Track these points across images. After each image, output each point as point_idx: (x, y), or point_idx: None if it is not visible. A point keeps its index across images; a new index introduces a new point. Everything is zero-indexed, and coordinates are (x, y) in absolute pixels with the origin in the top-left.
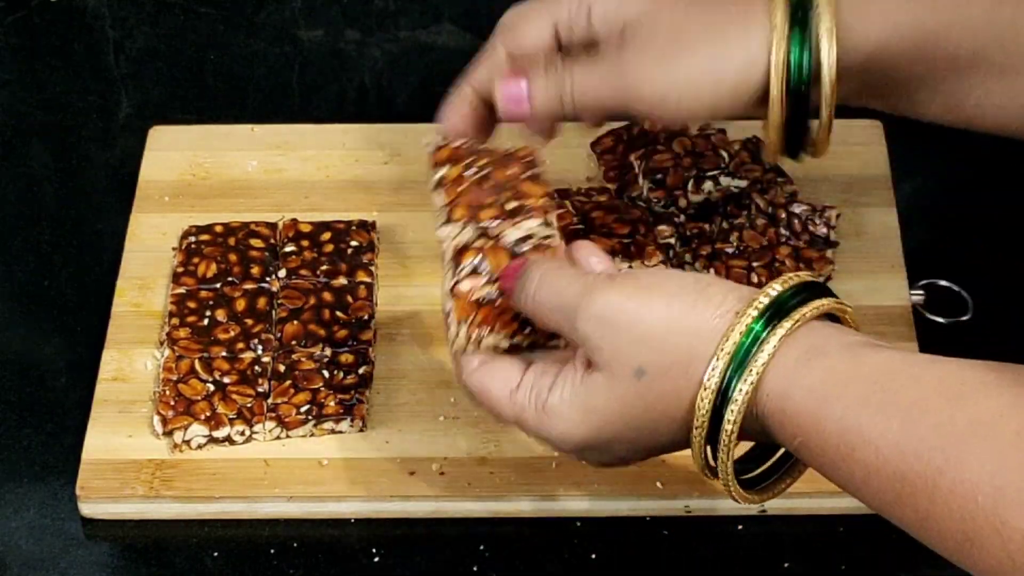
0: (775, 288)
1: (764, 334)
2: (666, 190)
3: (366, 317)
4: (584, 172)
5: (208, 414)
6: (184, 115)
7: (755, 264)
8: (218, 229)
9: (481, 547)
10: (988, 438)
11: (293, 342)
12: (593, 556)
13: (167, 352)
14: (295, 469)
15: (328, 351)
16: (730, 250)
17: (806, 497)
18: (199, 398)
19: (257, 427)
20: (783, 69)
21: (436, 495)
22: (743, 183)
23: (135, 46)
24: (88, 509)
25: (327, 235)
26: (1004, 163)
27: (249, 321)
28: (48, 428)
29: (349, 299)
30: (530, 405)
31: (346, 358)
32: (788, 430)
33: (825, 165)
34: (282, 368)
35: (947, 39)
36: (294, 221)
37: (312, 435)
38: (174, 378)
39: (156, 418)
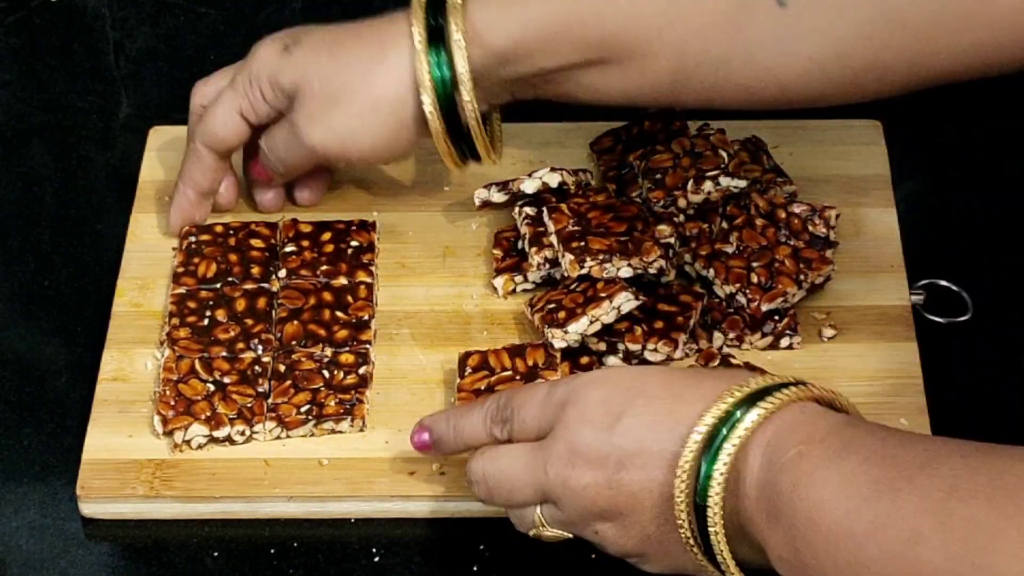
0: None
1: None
2: (666, 190)
3: (366, 317)
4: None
5: (208, 414)
6: (184, 115)
7: (755, 264)
8: (218, 229)
9: (481, 547)
10: None
11: (293, 342)
12: (593, 556)
13: (167, 352)
14: (295, 469)
15: (328, 351)
16: (730, 250)
17: None
18: (199, 398)
19: (257, 427)
20: (430, 86)
21: (436, 495)
22: (743, 183)
23: (135, 46)
24: (88, 509)
25: (327, 235)
26: (1004, 163)
27: (249, 321)
28: (48, 428)
29: (349, 299)
30: (541, 463)
31: (346, 358)
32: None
33: (825, 165)
34: (282, 368)
35: (571, 32)
36: (294, 221)
37: (312, 435)
38: (174, 378)
39: (156, 418)
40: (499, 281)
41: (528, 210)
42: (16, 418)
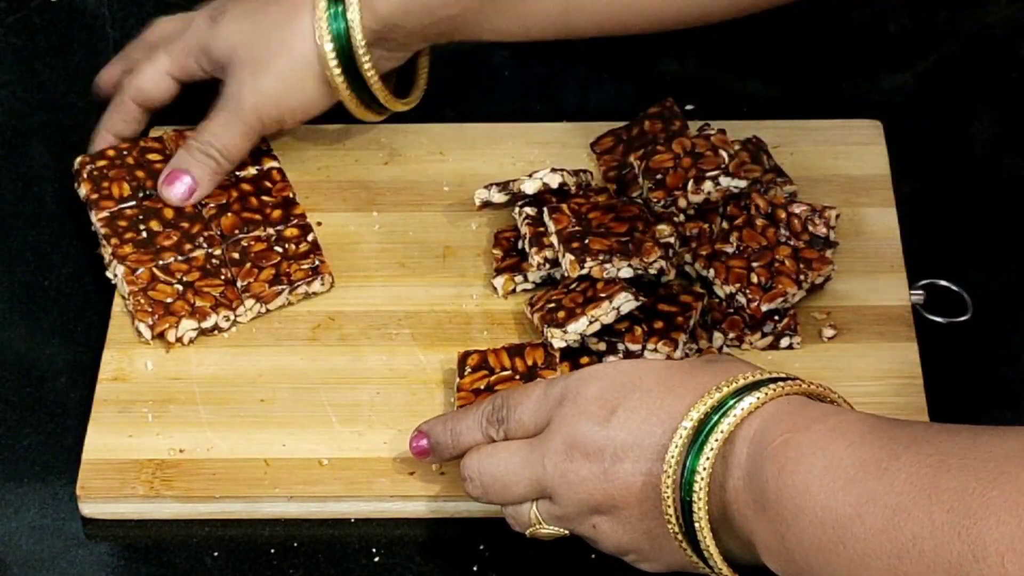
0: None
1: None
2: (666, 190)
3: (291, 195)
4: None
5: (189, 309)
6: (184, 116)
7: (755, 264)
8: (111, 153)
9: (481, 547)
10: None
11: (236, 231)
12: (593, 556)
13: (121, 269)
14: (295, 469)
15: (271, 230)
16: (730, 250)
17: None
18: (173, 299)
19: (239, 309)
20: (330, 41)
21: (436, 495)
22: (743, 183)
23: None
24: (88, 509)
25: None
26: (1004, 163)
27: (185, 224)
28: (48, 428)
29: (267, 184)
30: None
31: (291, 232)
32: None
33: (825, 165)
34: (236, 255)
35: None
36: (177, 131)
37: (289, 303)
38: (140, 286)
39: (141, 325)
40: (499, 281)
41: (528, 210)
42: (16, 418)
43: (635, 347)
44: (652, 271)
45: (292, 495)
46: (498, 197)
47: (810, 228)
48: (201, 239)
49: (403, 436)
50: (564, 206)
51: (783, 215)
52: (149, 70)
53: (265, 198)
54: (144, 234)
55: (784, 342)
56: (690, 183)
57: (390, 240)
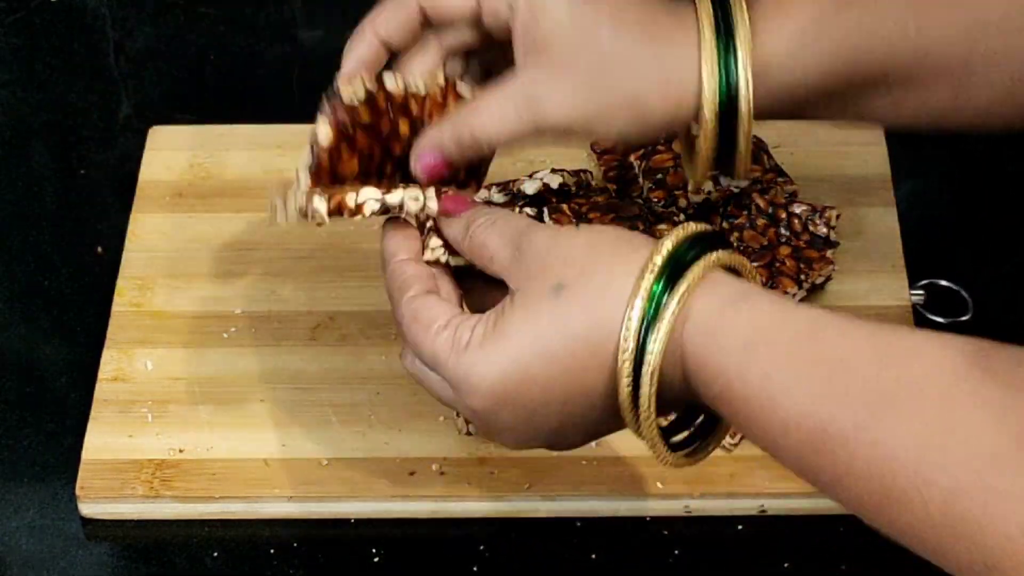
0: (669, 242)
1: (664, 293)
2: (666, 190)
3: None
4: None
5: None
6: (184, 115)
7: (755, 264)
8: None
9: (481, 547)
10: (913, 398)
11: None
12: (593, 556)
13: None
14: (295, 469)
15: None
16: None
17: (806, 497)
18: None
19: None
20: (715, 93)
21: (436, 495)
22: (743, 183)
23: (135, 46)
24: (88, 509)
25: None
26: (1004, 163)
27: None
28: (48, 428)
29: None
30: (450, 347)
31: None
32: (709, 373)
33: (825, 165)
34: None
35: (858, 60)
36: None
37: None
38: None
39: (317, 199)
40: None
41: (528, 211)
42: (16, 418)
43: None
44: None
45: (292, 495)
46: (498, 197)
47: (810, 228)
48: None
49: (403, 436)
50: (564, 206)
51: (783, 215)
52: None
53: None
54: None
55: None
56: (690, 183)
57: None
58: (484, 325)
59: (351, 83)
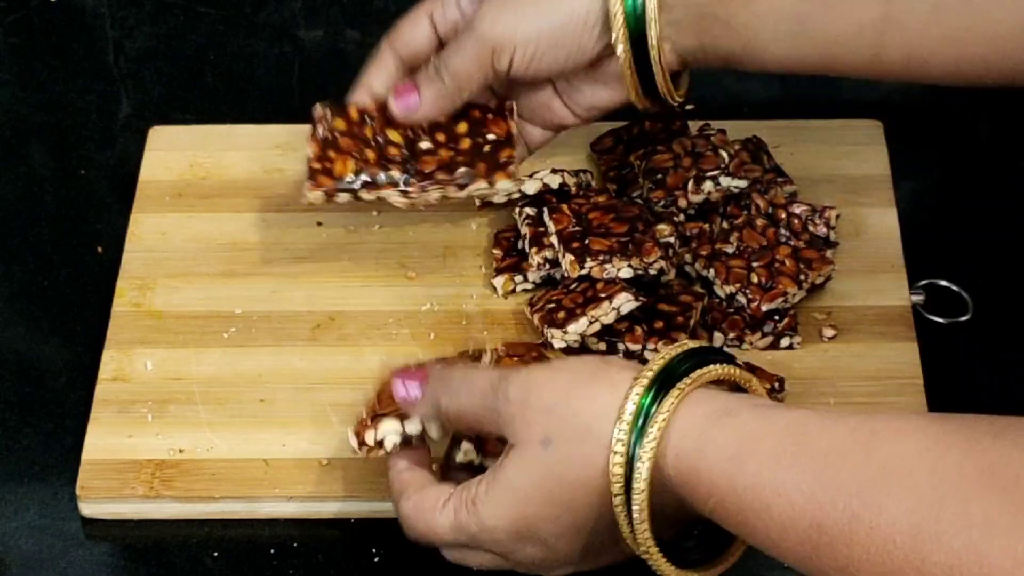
0: (662, 358)
1: (653, 405)
2: (666, 190)
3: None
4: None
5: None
6: (184, 115)
7: (755, 264)
8: (353, 115)
9: None
10: (902, 479)
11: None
12: None
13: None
14: (295, 469)
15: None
16: (730, 250)
17: None
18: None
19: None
20: (620, 12)
21: None
22: (743, 183)
23: (135, 46)
24: (88, 509)
25: (463, 126)
26: (1004, 164)
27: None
28: (48, 428)
29: (488, 135)
30: (461, 505)
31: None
32: (702, 491)
33: (825, 165)
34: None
35: None
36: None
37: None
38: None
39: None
40: (499, 281)
41: (528, 210)
42: (16, 418)
43: (635, 347)
44: (652, 271)
45: (292, 495)
46: (498, 197)
47: (810, 228)
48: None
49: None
50: (564, 206)
51: (783, 215)
52: (409, 15)
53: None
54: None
55: (784, 342)
56: (690, 183)
57: (390, 240)
58: (486, 481)
59: (324, 104)
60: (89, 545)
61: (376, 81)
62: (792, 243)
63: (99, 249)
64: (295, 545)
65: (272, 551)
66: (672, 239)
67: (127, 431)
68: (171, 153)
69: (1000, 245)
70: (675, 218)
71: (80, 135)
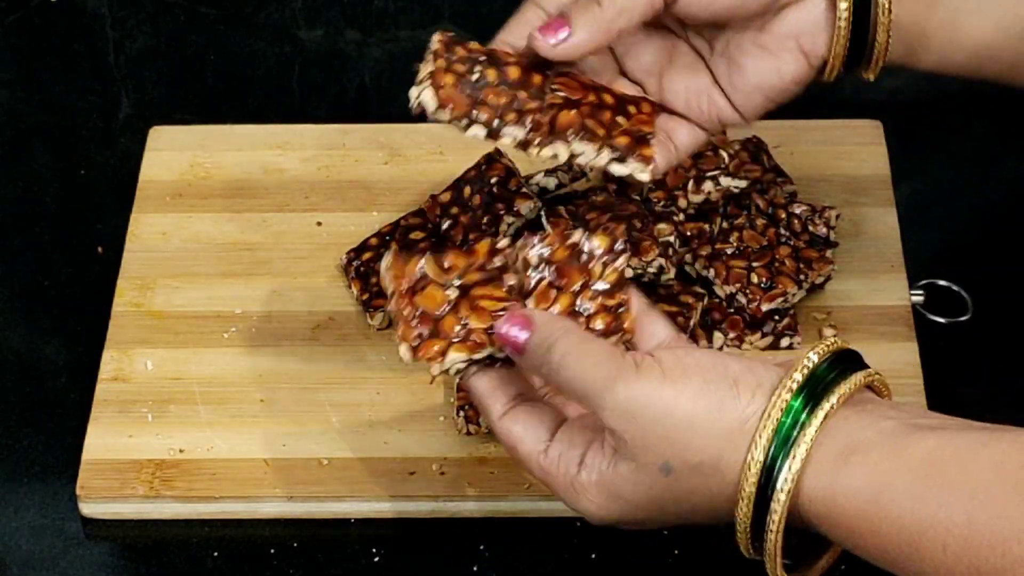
0: (811, 360)
1: (804, 415)
2: (666, 190)
3: (648, 133)
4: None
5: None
6: (184, 115)
7: (755, 264)
8: (373, 242)
9: (481, 547)
10: None
11: (569, 131)
12: (593, 556)
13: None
14: (295, 469)
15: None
16: (730, 250)
17: None
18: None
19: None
20: None
21: (436, 495)
22: (743, 183)
23: (135, 46)
24: (88, 509)
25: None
26: (1004, 164)
27: (522, 94)
28: (48, 428)
29: (632, 109)
30: (559, 475)
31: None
32: (840, 533)
33: (825, 165)
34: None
35: None
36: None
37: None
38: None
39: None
40: None
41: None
42: (16, 418)
43: None
44: (651, 270)
45: (292, 495)
46: (548, 180)
47: (810, 228)
48: (529, 119)
49: (403, 436)
50: (561, 208)
51: (783, 215)
52: None
53: (620, 119)
54: (475, 76)
55: (784, 342)
56: (690, 183)
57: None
58: (590, 471)
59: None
60: (89, 545)
61: (514, 36)
62: (792, 243)
63: (99, 249)
64: (295, 545)
65: (272, 551)
66: (672, 239)
67: (127, 431)
68: (171, 153)
69: (1000, 245)
70: (675, 218)
71: (80, 135)
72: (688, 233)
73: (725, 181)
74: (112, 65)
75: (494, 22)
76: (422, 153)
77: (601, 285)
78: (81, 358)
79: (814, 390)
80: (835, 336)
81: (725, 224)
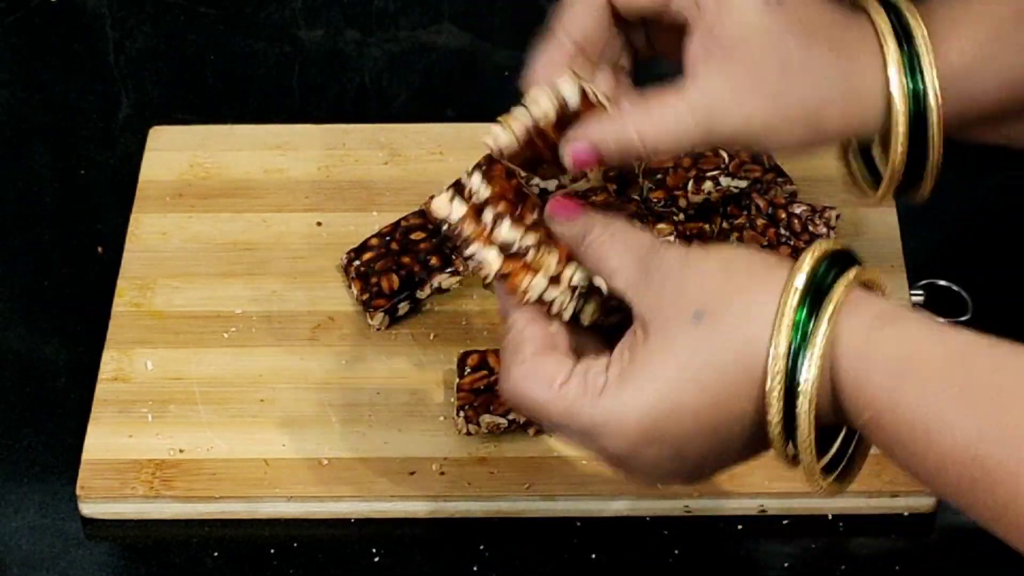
0: (806, 267)
1: (810, 315)
2: (666, 190)
3: None
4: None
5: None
6: (184, 115)
7: None
8: (373, 243)
9: (481, 547)
10: None
11: None
12: (593, 556)
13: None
14: (295, 469)
15: None
16: None
17: (806, 497)
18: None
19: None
20: (906, 105)
21: (436, 495)
22: (743, 183)
23: (135, 46)
24: (88, 509)
25: None
26: (1004, 164)
27: None
28: (48, 428)
29: None
30: (583, 393)
31: None
32: (860, 402)
33: (825, 165)
34: None
35: None
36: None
37: None
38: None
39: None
40: None
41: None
42: (16, 418)
43: None
44: None
45: (292, 495)
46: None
47: (810, 228)
48: None
49: (403, 436)
50: None
51: (783, 215)
52: None
53: None
54: None
55: None
56: (690, 183)
57: None
58: (618, 364)
59: (505, 130)
60: (89, 545)
61: (547, 65)
62: (792, 243)
63: (99, 249)
64: (295, 545)
65: (272, 551)
66: (672, 239)
67: (127, 431)
68: (171, 153)
69: (1000, 245)
70: (675, 218)
71: (80, 135)
72: (688, 233)
73: (725, 181)
74: (112, 65)
75: (494, 22)
76: (422, 153)
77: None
78: (81, 358)
79: (815, 293)
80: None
81: (725, 224)
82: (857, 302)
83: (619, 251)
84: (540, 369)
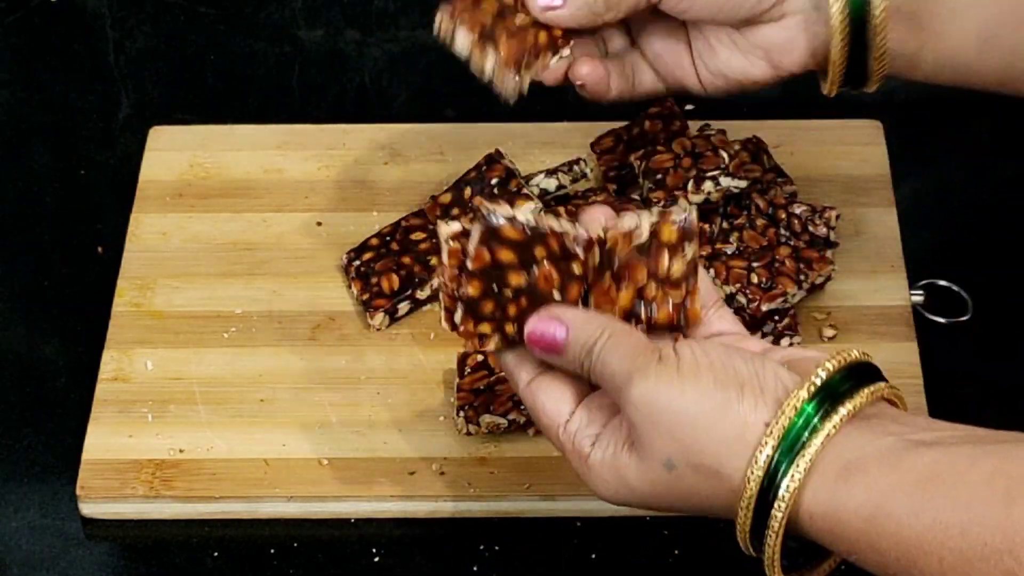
0: (826, 369)
1: (816, 419)
2: (666, 190)
3: None
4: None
5: None
6: (184, 115)
7: (755, 264)
8: (373, 243)
9: (481, 547)
10: None
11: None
12: (593, 556)
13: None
14: (295, 469)
15: None
16: (730, 250)
17: None
18: None
19: None
20: None
21: (436, 495)
22: (743, 183)
23: (135, 46)
24: (88, 509)
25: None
26: (1004, 164)
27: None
28: (48, 428)
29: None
30: (574, 450)
31: None
32: (841, 547)
33: (825, 165)
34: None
35: None
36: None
37: None
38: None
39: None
40: None
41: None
42: (16, 418)
43: None
44: None
45: (292, 495)
46: (548, 182)
47: (810, 228)
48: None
49: (403, 436)
50: (561, 208)
51: (783, 215)
52: None
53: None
54: None
55: (784, 342)
56: (690, 183)
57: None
58: (603, 451)
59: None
60: (89, 545)
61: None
62: (792, 243)
63: (99, 249)
64: (295, 545)
65: (272, 551)
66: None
67: (127, 431)
68: (171, 153)
69: (1000, 245)
70: None
71: (80, 135)
72: None
73: (725, 181)
74: (112, 65)
75: None
76: (422, 153)
77: (669, 271)
78: (81, 358)
79: (823, 403)
80: (858, 349)
81: (725, 224)
82: (829, 452)
83: (614, 369)
84: (550, 394)
